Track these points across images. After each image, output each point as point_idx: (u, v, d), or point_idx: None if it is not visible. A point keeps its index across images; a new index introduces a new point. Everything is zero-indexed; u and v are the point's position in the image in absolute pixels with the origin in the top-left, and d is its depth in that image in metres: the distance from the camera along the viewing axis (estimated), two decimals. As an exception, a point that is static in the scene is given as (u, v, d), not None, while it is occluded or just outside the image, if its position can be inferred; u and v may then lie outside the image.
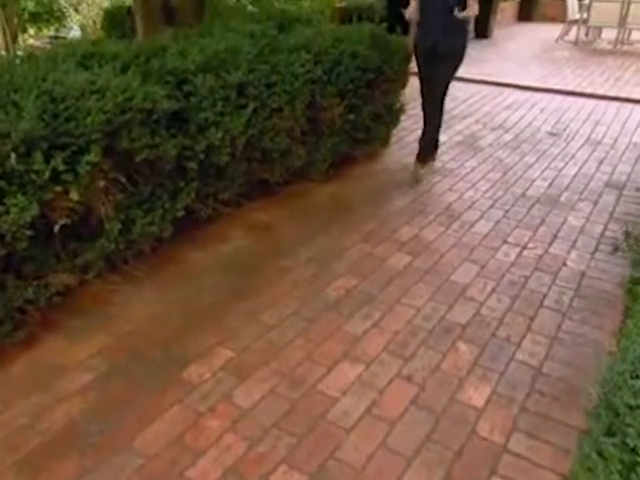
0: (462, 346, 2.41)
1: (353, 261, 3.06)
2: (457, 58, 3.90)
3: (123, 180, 2.54)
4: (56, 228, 2.27)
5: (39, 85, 2.26)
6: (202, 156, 2.88)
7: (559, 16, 11.49)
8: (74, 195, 2.26)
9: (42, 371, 2.23)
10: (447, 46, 3.80)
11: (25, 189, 2.06)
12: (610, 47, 9.85)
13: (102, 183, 2.39)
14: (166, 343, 2.39)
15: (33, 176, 2.05)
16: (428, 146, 4.20)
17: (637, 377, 1.25)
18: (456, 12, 3.61)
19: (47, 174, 2.06)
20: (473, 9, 3.63)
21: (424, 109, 4.12)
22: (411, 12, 3.86)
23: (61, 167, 2.11)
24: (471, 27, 11.23)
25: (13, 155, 1.96)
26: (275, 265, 3.00)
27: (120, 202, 2.57)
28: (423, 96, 4.08)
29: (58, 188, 2.16)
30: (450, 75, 3.96)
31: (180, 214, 2.87)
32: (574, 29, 10.35)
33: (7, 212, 2.00)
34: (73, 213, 2.33)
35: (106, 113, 2.26)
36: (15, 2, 5.86)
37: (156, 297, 2.73)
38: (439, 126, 4.20)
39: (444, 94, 4.02)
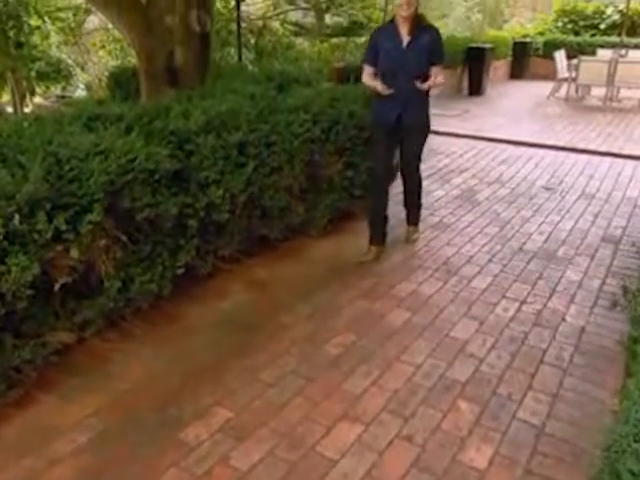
0: (463, 404, 2.38)
1: (352, 317, 3.06)
2: (425, 130, 3.73)
3: (124, 238, 2.57)
4: (56, 286, 2.28)
5: (45, 147, 2.33)
6: (202, 214, 2.92)
7: (549, 74, 11.89)
8: (75, 253, 2.29)
9: (35, 433, 2.19)
10: (413, 118, 3.60)
11: (27, 248, 2.08)
12: (600, 104, 10.14)
13: (103, 241, 2.42)
14: (163, 403, 2.36)
15: (35, 236, 2.08)
16: (414, 205, 4.05)
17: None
18: (418, 84, 3.43)
19: (49, 234, 2.09)
20: (438, 78, 3.47)
21: (403, 175, 3.90)
22: (367, 81, 3.58)
23: (63, 227, 2.14)
24: (465, 85, 11.64)
25: (17, 216, 2.00)
26: (274, 321, 3.00)
27: (120, 260, 2.59)
28: (384, 170, 3.76)
29: (59, 247, 2.19)
30: (421, 145, 3.76)
31: (180, 271, 2.89)
32: (564, 86, 10.69)
33: (9, 272, 2.02)
34: (73, 271, 2.35)
35: (109, 174, 2.32)
36: (25, 66, 6.09)
37: (154, 355, 2.71)
38: (420, 190, 4.02)
39: (418, 162, 3.83)
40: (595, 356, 2.73)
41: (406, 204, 4.04)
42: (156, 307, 2.97)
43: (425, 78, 3.45)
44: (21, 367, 2.28)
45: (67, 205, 2.21)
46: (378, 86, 3.48)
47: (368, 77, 3.57)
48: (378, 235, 3.81)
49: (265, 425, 2.24)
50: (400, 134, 3.63)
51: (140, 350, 2.74)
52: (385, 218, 3.85)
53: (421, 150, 3.78)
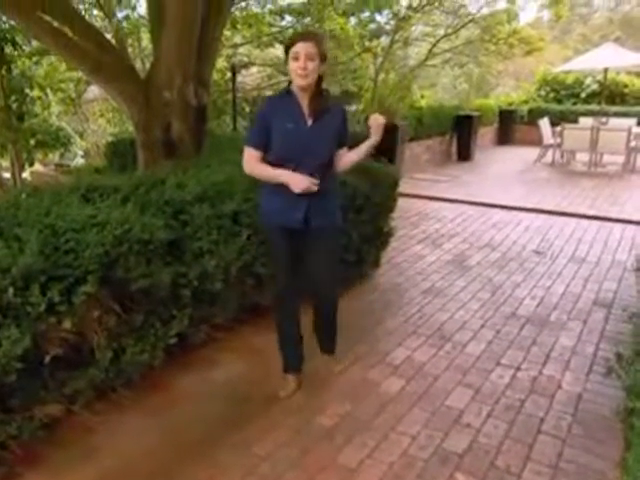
0: (460, 478, 2.32)
1: (346, 386, 3.02)
2: (339, 233, 2.98)
3: (117, 308, 2.57)
4: (47, 359, 2.26)
5: (42, 219, 2.37)
6: (196, 283, 2.94)
7: (535, 140, 12.30)
8: (67, 325, 2.28)
9: (19, 514, 2.11)
10: (324, 220, 2.76)
11: (19, 321, 2.08)
12: (585, 169, 10.45)
13: (96, 312, 2.42)
14: (153, 479, 2.29)
15: (28, 308, 2.09)
16: (329, 330, 3.13)
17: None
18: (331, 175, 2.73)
19: (43, 306, 2.09)
20: (349, 158, 2.79)
21: (313, 295, 3.03)
22: (260, 169, 2.67)
23: (57, 299, 2.15)
24: (454, 150, 12.00)
25: (11, 289, 2.01)
26: (266, 391, 2.95)
27: (112, 330, 2.58)
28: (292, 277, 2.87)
29: (52, 319, 2.19)
30: (337, 254, 2.99)
31: (172, 341, 2.87)
32: (550, 152, 11.03)
33: (-1, 345, 2.00)
34: (65, 343, 2.34)
35: (104, 245, 2.35)
36: (25, 140, 6.26)
37: (144, 427, 2.65)
38: (336, 312, 3.06)
39: (334, 277, 2.95)
40: (593, 425, 2.69)
41: (316, 328, 3.13)
42: (147, 377, 2.92)
43: (332, 163, 2.76)
44: (7, 443, 2.22)
45: (62, 277, 2.22)
46: (290, 178, 2.58)
47: (259, 164, 2.66)
48: (293, 360, 3.03)
49: (257, 503, 2.17)
50: (306, 241, 2.80)
51: (130, 423, 2.68)
52: (300, 339, 3.03)
53: (337, 261, 2.97)
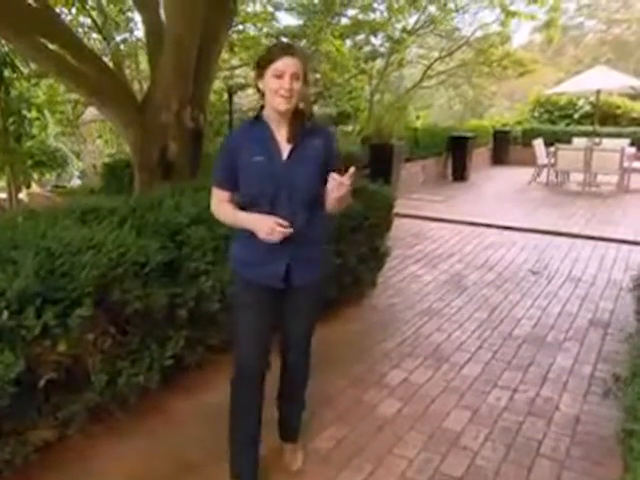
0: (459, 502, 2.30)
1: (342, 409, 3.00)
2: (323, 292, 2.49)
3: (112, 330, 2.56)
4: (41, 383, 2.24)
5: (38, 242, 2.37)
6: (192, 304, 2.93)
7: (529, 160, 12.41)
8: (62, 348, 2.26)
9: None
10: (309, 276, 2.24)
11: (14, 344, 2.07)
12: (579, 189, 10.53)
13: (92, 335, 2.41)
14: (146, 506, 2.26)
15: (23, 331, 2.07)
16: (293, 409, 2.57)
17: None
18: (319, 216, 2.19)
19: (37, 329, 2.08)
20: (341, 188, 2.00)
21: (283, 360, 2.47)
22: (227, 214, 2.21)
23: (52, 322, 2.14)
24: (449, 171, 12.08)
25: (5, 312, 2.00)
26: (263, 415, 2.92)
27: (108, 352, 2.56)
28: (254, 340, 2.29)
29: (47, 342, 2.18)
30: (316, 316, 2.43)
31: (168, 362, 2.85)
32: (544, 172, 11.13)
33: (-7, 368, 1.98)
34: (60, 366, 2.32)
35: (100, 268, 2.35)
36: (22, 163, 6.30)
37: (138, 452, 2.61)
38: (306, 383, 2.55)
39: (309, 343, 2.44)
40: (592, 447, 2.67)
41: (281, 404, 2.56)
42: (143, 399, 2.89)
43: (320, 201, 2.15)
44: (-1, 468, 2.19)
45: (57, 300, 2.21)
46: (254, 222, 2.08)
47: (223, 205, 2.21)
48: (246, 468, 2.35)
49: (253, 529, 2.13)
50: (284, 301, 2.28)
51: (124, 446, 2.65)
52: (258, 442, 2.37)
53: (314, 325, 2.42)
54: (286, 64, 2.01)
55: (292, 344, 2.40)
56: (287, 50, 2.05)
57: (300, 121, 2.14)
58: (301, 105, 2.15)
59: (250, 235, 2.10)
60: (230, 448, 2.36)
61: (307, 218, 2.15)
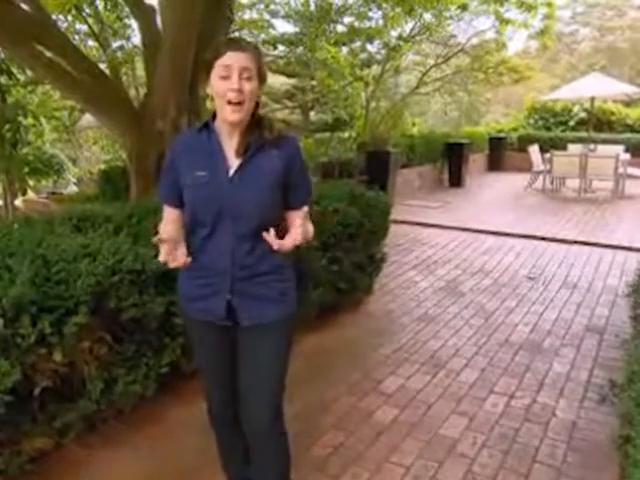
0: (456, 510, 2.29)
1: (339, 415, 2.99)
2: (287, 330, 1.94)
3: (108, 338, 2.55)
4: (36, 391, 2.23)
5: (34, 250, 2.36)
6: (188, 311, 2.92)
7: (525, 166, 12.47)
8: (58, 356, 2.26)
9: None
10: (258, 313, 1.85)
11: (9, 353, 2.06)
12: (575, 195, 10.57)
13: (87, 343, 2.40)
14: (142, 515, 2.25)
15: (18, 340, 2.07)
16: None
17: None
18: (270, 237, 1.73)
19: (33, 338, 2.08)
20: (304, 230, 1.80)
21: (248, 435, 2.01)
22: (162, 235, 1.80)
23: (48, 330, 2.13)
24: (445, 177, 12.12)
25: (1, 320, 2.00)
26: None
27: (104, 360, 2.55)
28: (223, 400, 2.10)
29: (43, 350, 2.17)
30: (282, 364, 1.93)
31: (164, 370, 2.84)
32: (540, 178, 11.17)
33: (-12, 377, 1.98)
34: (55, 374, 2.31)
35: (96, 275, 2.34)
36: (19, 170, 6.29)
37: (135, 461, 2.60)
38: (288, 462, 2.06)
39: (276, 405, 1.94)
40: (589, 453, 2.67)
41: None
42: (139, 407, 2.88)
43: (278, 228, 1.79)
44: (-7, 478, 2.18)
45: (53, 308, 2.21)
46: (161, 248, 1.77)
47: (169, 229, 1.90)
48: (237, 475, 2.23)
49: (249, 538, 2.12)
50: (237, 341, 1.93)
51: (120, 456, 2.63)
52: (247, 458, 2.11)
53: (277, 383, 1.93)
54: (232, 58, 1.69)
55: (252, 410, 1.92)
56: (233, 45, 1.74)
57: (257, 131, 1.79)
58: (260, 111, 1.83)
59: (194, 266, 1.83)
60: (224, 470, 2.31)
61: (250, 248, 1.80)
